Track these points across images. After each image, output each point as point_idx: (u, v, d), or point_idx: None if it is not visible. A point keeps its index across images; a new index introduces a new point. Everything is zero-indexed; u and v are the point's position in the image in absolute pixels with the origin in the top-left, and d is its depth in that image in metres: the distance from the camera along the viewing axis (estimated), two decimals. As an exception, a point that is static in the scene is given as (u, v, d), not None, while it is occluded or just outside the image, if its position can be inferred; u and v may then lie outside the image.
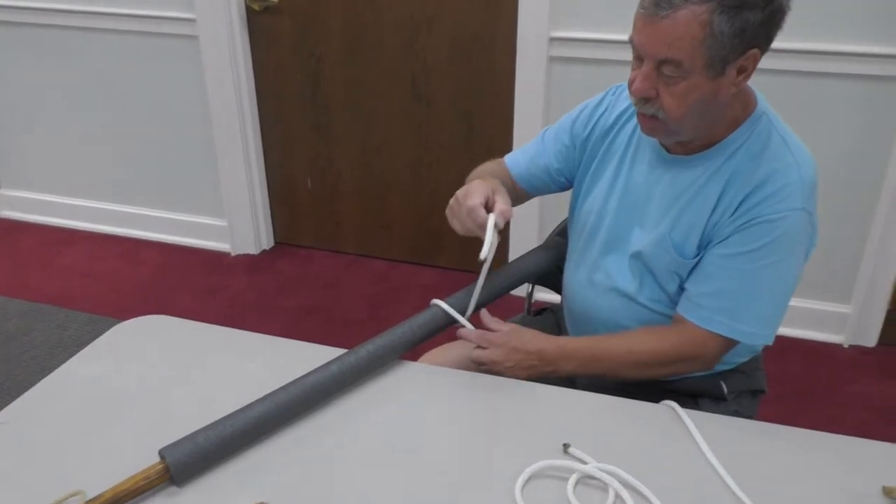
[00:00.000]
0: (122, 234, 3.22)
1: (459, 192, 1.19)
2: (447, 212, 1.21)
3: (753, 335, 1.18)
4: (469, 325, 1.25)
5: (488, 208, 1.17)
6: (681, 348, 1.20)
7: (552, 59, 2.43)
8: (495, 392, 1.18)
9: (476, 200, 1.15)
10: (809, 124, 2.26)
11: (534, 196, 1.47)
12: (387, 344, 1.20)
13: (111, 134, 3.06)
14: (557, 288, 1.54)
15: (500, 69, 2.57)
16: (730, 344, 1.20)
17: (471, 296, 1.27)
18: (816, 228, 1.18)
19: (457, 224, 1.19)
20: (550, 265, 1.51)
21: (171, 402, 1.15)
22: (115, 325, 1.34)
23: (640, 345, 1.22)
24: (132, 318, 1.36)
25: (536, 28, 2.39)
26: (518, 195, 1.46)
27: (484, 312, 1.27)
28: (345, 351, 1.19)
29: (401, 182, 2.88)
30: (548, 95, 2.47)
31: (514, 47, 2.48)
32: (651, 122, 1.15)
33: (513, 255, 2.70)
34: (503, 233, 2.72)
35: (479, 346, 1.23)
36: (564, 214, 1.58)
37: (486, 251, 1.14)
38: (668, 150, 1.24)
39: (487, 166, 1.44)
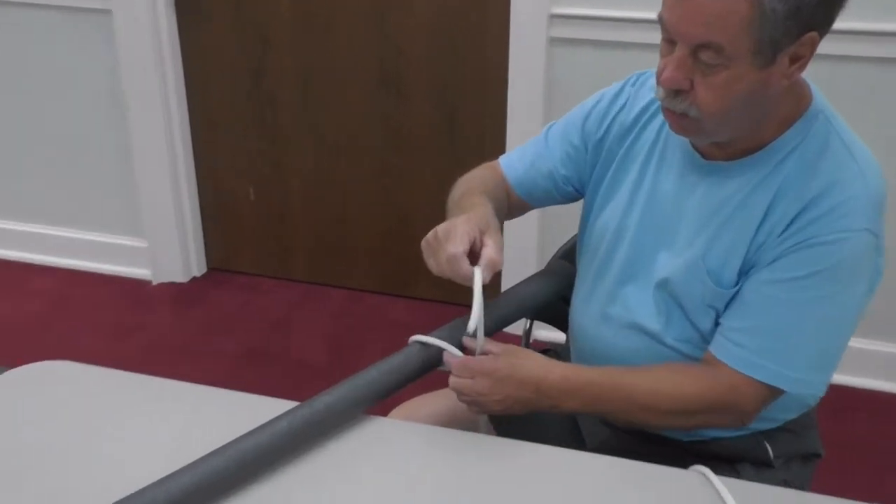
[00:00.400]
0: (9, 258, 3.19)
1: (440, 228, 1.19)
2: (423, 246, 1.21)
3: (802, 383, 1.19)
4: (455, 350, 1.24)
5: (475, 253, 1.17)
6: (711, 395, 1.20)
7: (553, 41, 2.44)
8: (487, 455, 1.17)
9: (459, 248, 1.15)
10: (871, 122, 2.28)
11: (534, 207, 1.48)
12: (350, 394, 1.19)
13: None
14: (563, 324, 1.54)
15: (489, 53, 2.58)
16: (772, 393, 1.20)
17: (457, 332, 1.27)
18: (883, 253, 1.19)
19: (433, 264, 1.19)
20: (554, 296, 1.51)
21: (73, 471, 1.13)
22: (0, 373, 1.32)
23: (661, 386, 1.22)
24: (23, 364, 1.34)
25: (533, 3, 2.41)
26: (514, 205, 1.46)
27: (466, 339, 1.26)
28: (296, 404, 1.18)
29: (366, 193, 2.88)
30: (548, 86, 2.48)
31: (507, 26, 2.49)
32: (681, 120, 1.16)
33: (507, 282, 2.70)
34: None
35: (459, 377, 1.22)
36: (570, 231, 1.58)
37: (475, 321, 1.15)
38: (702, 155, 1.25)
39: (477, 175, 1.44)
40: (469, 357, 1.23)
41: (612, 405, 1.22)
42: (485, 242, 1.18)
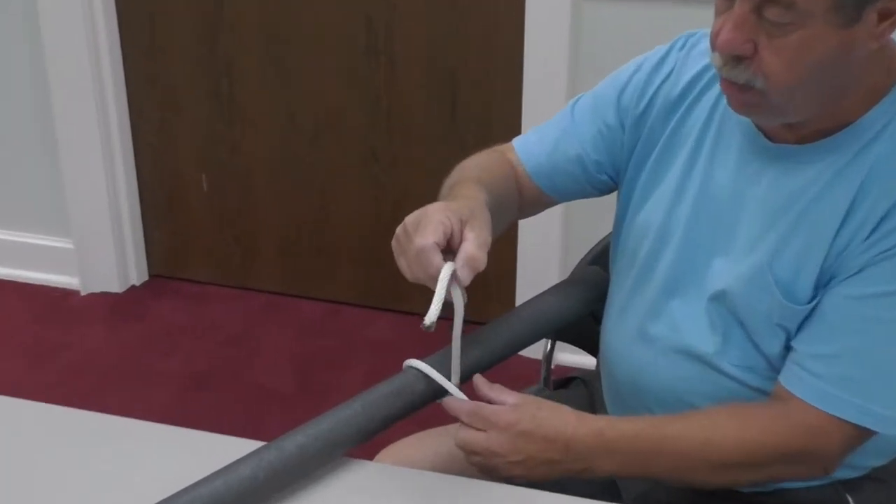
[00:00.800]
0: None
1: (410, 219, 1.19)
2: (393, 245, 1.20)
3: None
4: (459, 394, 1.23)
5: (452, 247, 1.16)
6: (784, 441, 1.20)
7: (581, -4, 2.45)
8: (497, 509, 1.17)
9: (429, 239, 1.14)
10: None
11: (558, 202, 1.47)
12: (328, 433, 1.18)
13: None
14: (592, 346, 1.53)
15: (501, 10, 2.59)
16: (860, 435, 1.19)
17: (466, 358, 1.26)
18: None
19: (404, 265, 1.19)
20: (581, 310, 1.51)
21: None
22: None
23: (721, 433, 1.21)
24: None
25: (557, -52, 2.41)
26: (530, 200, 1.46)
27: (478, 378, 1.26)
28: (261, 444, 1.17)
29: (346, 184, 2.88)
30: (574, 50, 2.48)
31: (524, -23, 2.49)
32: (744, 94, 1.15)
33: (521, 296, 2.69)
34: (498, 267, 2.71)
35: (469, 426, 1.22)
36: (602, 230, 1.58)
37: (432, 315, 1.13)
38: (768, 136, 1.25)
39: (477, 162, 1.43)
40: (480, 403, 1.22)
41: (660, 463, 1.21)
42: (465, 236, 1.17)
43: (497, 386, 1.25)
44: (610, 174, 1.42)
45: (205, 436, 1.26)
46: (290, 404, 2.57)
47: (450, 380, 1.24)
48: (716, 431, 1.21)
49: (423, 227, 1.15)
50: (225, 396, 2.62)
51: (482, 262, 1.15)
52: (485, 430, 1.20)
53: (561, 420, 1.21)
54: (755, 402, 1.25)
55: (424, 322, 1.14)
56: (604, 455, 1.20)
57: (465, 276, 1.15)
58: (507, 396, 1.23)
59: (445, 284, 1.13)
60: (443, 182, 1.39)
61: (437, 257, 1.14)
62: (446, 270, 1.14)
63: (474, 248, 1.15)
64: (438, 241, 1.14)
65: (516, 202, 1.44)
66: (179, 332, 2.89)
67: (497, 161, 1.44)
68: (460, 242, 1.16)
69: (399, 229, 1.19)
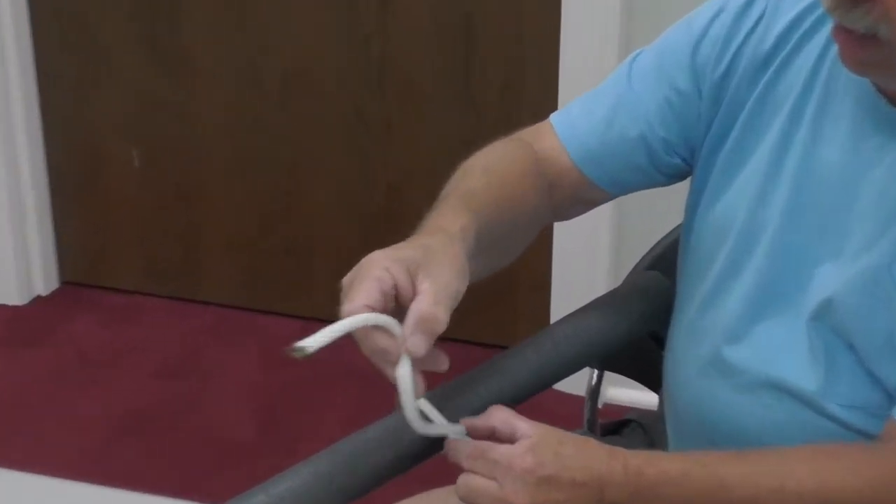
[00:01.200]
0: None
1: (346, 279, 1.18)
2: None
3: None
4: (461, 433, 1.23)
5: (403, 305, 1.15)
6: (884, 490, 1.20)
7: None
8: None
9: (357, 303, 1.13)
10: None
11: (614, 196, 1.46)
12: (298, 492, 1.19)
13: None
14: (651, 378, 1.55)
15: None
16: None
17: (472, 392, 1.27)
18: None
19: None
20: (635, 331, 1.52)
21: None
22: None
23: (797, 479, 1.21)
24: None
25: None
26: (576, 197, 1.46)
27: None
28: (212, 508, 1.18)
29: (330, 162, 2.89)
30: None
31: None
32: (864, 47, 1.15)
33: (557, 312, 2.69)
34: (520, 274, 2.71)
35: (474, 471, 1.21)
36: (663, 227, 1.59)
37: (308, 341, 1.10)
38: (893, 101, 1.24)
39: (486, 161, 1.42)
40: (487, 444, 1.21)
41: None
42: (418, 288, 1.15)
43: (508, 410, 1.24)
44: (683, 155, 1.41)
45: (135, 498, 1.27)
46: (249, 454, 2.56)
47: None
48: (791, 476, 1.21)
49: (355, 288, 1.14)
50: (162, 444, 2.60)
51: (440, 321, 1.13)
52: (495, 479, 1.19)
53: (590, 457, 1.21)
54: (849, 442, 1.26)
55: (293, 345, 1.10)
56: (644, 501, 1.20)
57: (418, 345, 1.12)
58: (522, 425, 1.22)
59: (345, 325, 1.11)
60: (454, 157, 1.39)
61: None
62: (353, 320, 1.12)
63: (427, 304, 1.13)
64: (372, 304, 1.12)
65: (546, 207, 1.44)
66: (101, 358, 2.90)
67: (517, 156, 1.43)
68: (413, 296, 1.15)
69: (341, 293, 1.18)
